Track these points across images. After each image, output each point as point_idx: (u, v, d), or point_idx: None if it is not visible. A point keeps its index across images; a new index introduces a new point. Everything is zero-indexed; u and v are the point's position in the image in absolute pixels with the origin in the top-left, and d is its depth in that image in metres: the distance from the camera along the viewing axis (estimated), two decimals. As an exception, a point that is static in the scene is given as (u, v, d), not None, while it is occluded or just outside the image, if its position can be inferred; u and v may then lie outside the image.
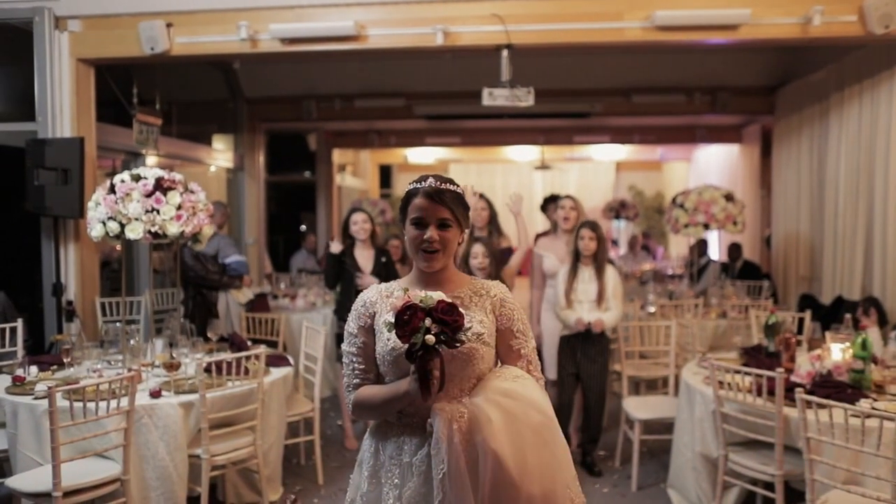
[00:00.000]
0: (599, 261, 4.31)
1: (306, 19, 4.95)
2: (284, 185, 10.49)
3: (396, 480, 1.75)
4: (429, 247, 1.79)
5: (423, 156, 12.96)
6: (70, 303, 5.17)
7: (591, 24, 4.80)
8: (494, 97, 4.94)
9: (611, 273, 4.34)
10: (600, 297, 4.28)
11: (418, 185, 1.82)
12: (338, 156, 10.74)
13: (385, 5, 4.91)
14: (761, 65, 7.46)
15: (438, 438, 1.66)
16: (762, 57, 7.36)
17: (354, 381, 1.85)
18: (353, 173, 12.16)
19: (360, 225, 4.79)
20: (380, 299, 1.84)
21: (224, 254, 5.28)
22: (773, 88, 7.59)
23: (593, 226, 4.38)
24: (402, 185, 13.97)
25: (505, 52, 4.91)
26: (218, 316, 5.05)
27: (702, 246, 7.65)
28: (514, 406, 1.70)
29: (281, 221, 10.37)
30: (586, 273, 4.32)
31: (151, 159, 6.51)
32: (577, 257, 4.35)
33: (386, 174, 13.94)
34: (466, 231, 1.88)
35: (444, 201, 1.79)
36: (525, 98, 4.93)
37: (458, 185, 1.85)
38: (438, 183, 1.81)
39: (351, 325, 1.86)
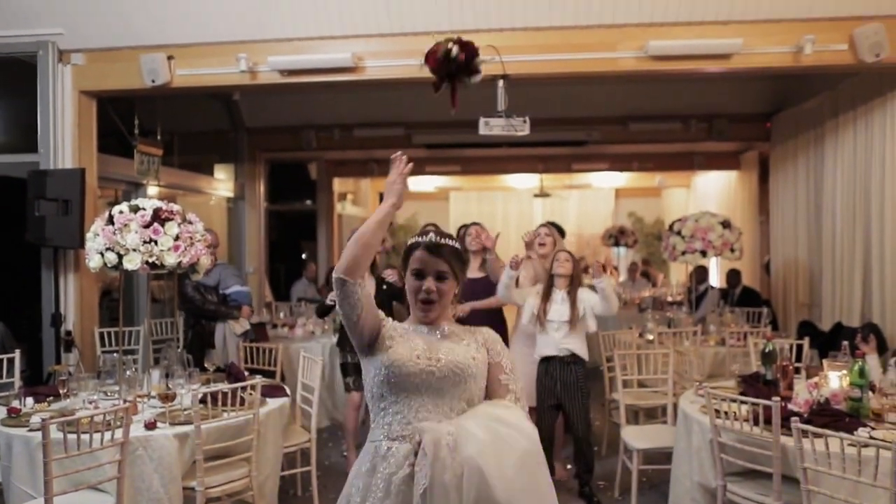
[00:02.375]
0: (574, 284, 4.33)
1: (305, 51, 5.03)
2: (285, 213, 10.53)
3: (380, 494, 1.80)
4: (426, 297, 1.94)
5: (423, 184, 13.02)
6: (69, 333, 5.18)
7: (586, 54, 4.87)
8: (491, 126, 4.99)
9: (584, 294, 4.35)
10: (572, 320, 4.29)
11: (420, 240, 1.99)
12: (338, 184, 10.81)
13: (382, 37, 4.99)
14: (757, 92, 7.53)
15: (424, 453, 1.72)
16: (757, 85, 7.44)
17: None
18: (353, 202, 12.22)
19: None
20: (392, 327, 1.95)
21: (225, 284, 5.30)
22: (769, 116, 7.65)
23: (569, 253, 4.46)
24: (403, 213, 14.01)
25: (501, 83, 4.97)
26: (214, 346, 5.04)
27: (700, 273, 7.65)
28: (503, 430, 1.77)
29: (282, 250, 10.40)
30: (559, 295, 4.34)
31: (152, 189, 6.57)
32: (551, 280, 4.37)
33: (387, 202, 13.99)
34: (461, 283, 2.02)
35: (443, 255, 1.95)
36: (521, 127, 4.98)
37: (455, 241, 2.01)
38: (438, 238, 1.97)
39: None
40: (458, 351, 1.92)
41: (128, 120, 6.14)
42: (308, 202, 10.39)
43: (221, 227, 8.42)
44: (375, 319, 1.90)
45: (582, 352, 4.37)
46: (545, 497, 1.76)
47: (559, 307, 4.32)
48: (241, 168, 8.45)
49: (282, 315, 6.78)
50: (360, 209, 12.59)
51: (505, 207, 14.00)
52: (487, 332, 2.04)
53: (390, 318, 1.97)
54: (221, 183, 8.26)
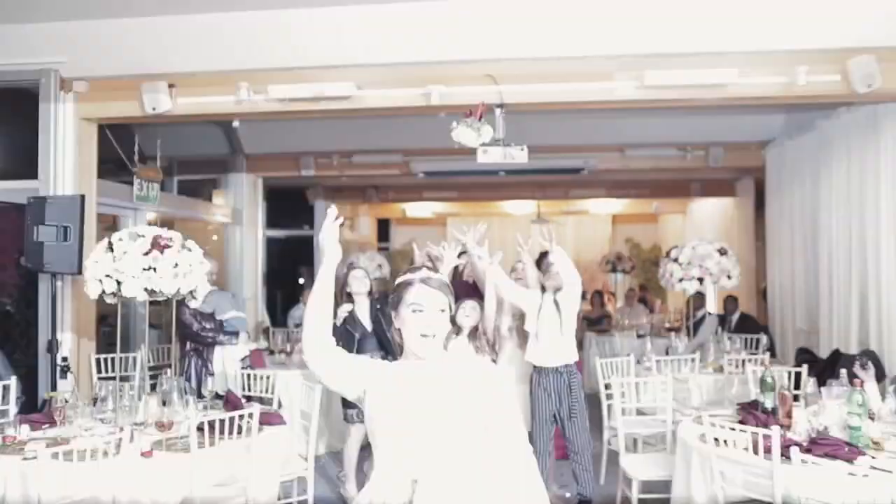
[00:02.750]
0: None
1: (304, 80, 5.08)
2: (283, 239, 10.56)
3: None
4: (429, 332, 1.89)
5: (421, 210, 13.07)
6: (65, 359, 5.16)
7: (582, 84, 4.93)
8: (489, 154, 5.04)
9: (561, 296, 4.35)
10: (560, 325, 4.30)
11: (414, 276, 1.95)
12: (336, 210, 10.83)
13: (381, 67, 5.04)
14: (752, 121, 7.59)
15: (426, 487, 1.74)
16: (753, 113, 7.51)
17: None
18: (351, 227, 12.25)
19: (360, 280, 4.90)
20: (381, 372, 1.94)
21: (221, 310, 5.29)
22: (765, 144, 7.72)
23: None
24: (400, 239, 14.04)
25: (499, 111, 5.02)
26: (213, 373, 5.02)
27: (698, 299, 7.65)
28: (497, 479, 1.80)
29: (279, 276, 10.40)
30: (549, 299, 4.34)
31: (151, 214, 6.59)
32: (542, 289, 4.39)
33: (384, 228, 14.04)
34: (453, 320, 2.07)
35: (441, 289, 1.93)
36: (519, 155, 5.03)
37: (446, 281, 2.01)
38: (432, 273, 1.98)
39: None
40: (451, 400, 1.86)
41: (128, 146, 6.18)
42: (306, 227, 10.41)
43: (219, 253, 8.43)
44: (360, 381, 1.91)
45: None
46: None
47: (550, 313, 4.31)
48: (240, 194, 8.48)
49: (279, 341, 6.77)
50: (358, 234, 12.62)
51: (502, 233, 14.03)
52: (486, 377, 1.98)
53: (379, 360, 1.99)
54: (219, 208, 8.29)
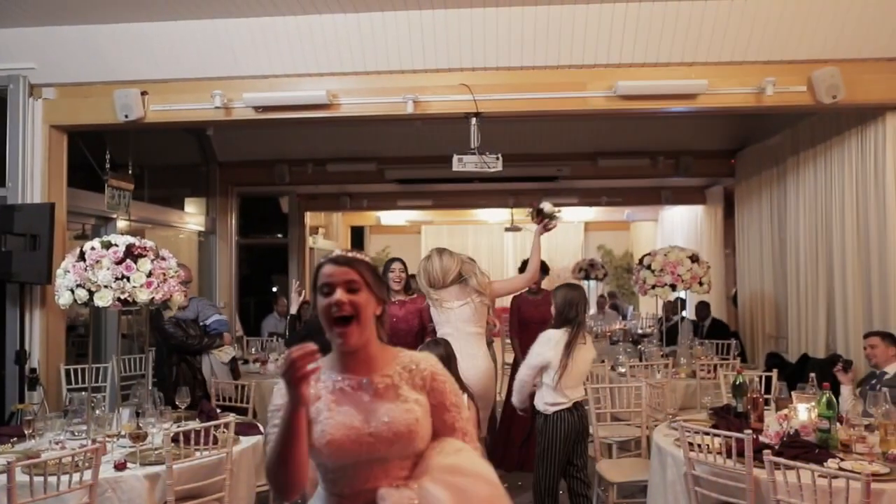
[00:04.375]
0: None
1: (279, 88, 5.07)
2: (257, 247, 10.47)
3: None
4: (338, 311, 1.67)
5: (395, 218, 13.07)
6: (34, 370, 5.06)
7: (556, 93, 5.00)
8: (464, 163, 5.07)
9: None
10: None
11: (325, 257, 1.78)
12: (310, 218, 10.79)
13: (357, 75, 5.05)
14: (721, 130, 7.76)
15: None
16: (722, 122, 7.67)
17: None
18: (325, 235, 12.21)
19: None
20: (312, 384, 1.64)
21: (204, 315, 5.26)
22: (734, 152, 7.87)
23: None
24: (375, 247, 14.04)
25: (473, 120, 5.06)
26: (204, 380, 4.97)
27: (675, 305, 7.73)
28: (463, 482, 1.66)
29: (252, 284, 10.31)
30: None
31: (122, 223, 6.50)
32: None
33: (359, 236, 14.01)
34: (383, 304, 1.80)
35: (352, 264, 1.73)
36: (494, 164, 5.06)
37: (370, 258, 1.82)
38: (346, 252, 1.78)
39: (277, 401, 1.65)
40: (399, 415, 1.68)
41: (99, 154, 6.09)
42: (279, 236, 10.34)
43: (192, 262, 8.33)
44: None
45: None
46: None
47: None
48: (213, 202, 8.40)
49: (253, 350, 6.70)
50: (332, 242, 12.57)
51: (476, 240, 14.11)
52: (426, 364, 1.79)
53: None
54: (192, 217, 8.20)
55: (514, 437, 5.46)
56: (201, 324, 5.21)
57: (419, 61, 4.96)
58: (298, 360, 1.50)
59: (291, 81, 5.09)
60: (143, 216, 7.07)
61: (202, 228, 8.26)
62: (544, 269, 6.25)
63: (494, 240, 13.82)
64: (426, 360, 1.81)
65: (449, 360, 3.26)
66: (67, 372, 5.33)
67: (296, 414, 1.55)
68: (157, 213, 7.46)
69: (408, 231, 14.16)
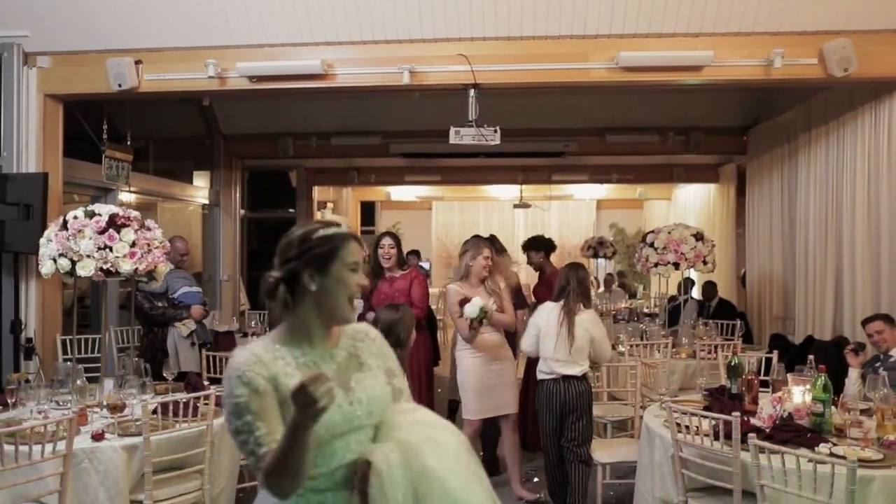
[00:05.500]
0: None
1: (274, 57, 4.97)
2: (266, 221, 10.45)
3: None
4: (360, 292, 1.75)
5: (405, 193, 12.99)
6: (29, 340, 5.07)
7: (557, 64, 4.85)
8: (461, 136, 4.96)
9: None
10: None
11: (340, 230, 1.72)
12: (319, 193, 10.74)
13: (353, 45, 4.94)
14: (733, 105, 7.55)
15: (379, 471, 1.59)
16: (734, 98, 7.46)
17: (262, 449, 1.55)
18: (334, 210, 12.16)
19: None
20: (271, 361, 1.63)
21: (173, 288, 5.20)
22: (745, 129, 7.67)
23: None
24: (386, 222, 13.98)
25: (472, 92, 4.94)
26: (167, 353, 4.95)
27: (687, 284, 7.57)
28: (432, 433, 1.72)
29: (261, 258, 10.29)
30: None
31: (127, 196, 6.49)
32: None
33: (369, 211, 13.94)
34: None
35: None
36: (492, 137, 4.94)
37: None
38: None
39: (241, 390, 1.57)
40: (369, 382, 1.72)
41: (100, 125, 6.06)
42: (291, 210, 10.30)
43: (196, 234, 8.32)
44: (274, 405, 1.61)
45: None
46: (484, 478, 1.72)
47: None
48: (217, 175, 8.36)
49: (253, 323, 6.68)
50: (342, 218, 12.52)
51: (487, 217, 13.99)
52: (374, 333, 1.84)
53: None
54: (196, 190, 8.17)
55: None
56: (170, 296, 5.18)
57: (416, 31, 4.84)
58: (314, 389, 1.41)
59: (286, 51, 4.99)
60: (145, 188, 7.05)
61: (206, 201, 8.23)
62: (551, 246, 6.21)
63: (505, 216, 13.70)
64: (370, 329, 1.86)
65: (396, 325, 3.22)
66: (63, 342, 5.33)
67: (308, 431, 1.48)
68: (160, 186, 7.43)
69: (418, 207, 14.08)
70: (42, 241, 3.65)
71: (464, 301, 4.25)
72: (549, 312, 4.19)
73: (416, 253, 10.60)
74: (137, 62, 5.04)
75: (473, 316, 4.20)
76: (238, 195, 8.60)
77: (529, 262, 6.20)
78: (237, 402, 1.56)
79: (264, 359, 1.62)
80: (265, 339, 1.71)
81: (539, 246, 6.05)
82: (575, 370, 4.10)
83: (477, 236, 4.95)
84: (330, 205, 11.92)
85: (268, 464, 1.53)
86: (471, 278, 4.42)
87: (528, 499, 4.49)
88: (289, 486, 1.55)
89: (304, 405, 1.42)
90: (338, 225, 1.74)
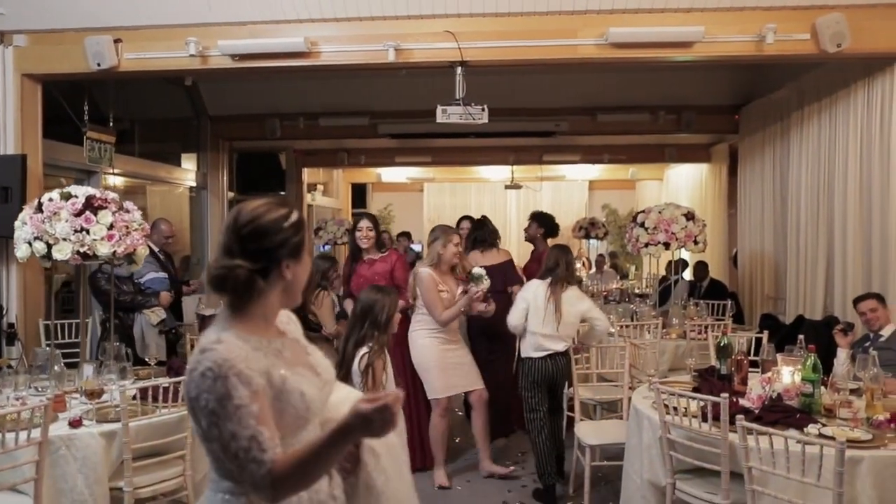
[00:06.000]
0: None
1: (257, 35, 4.86)
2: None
3: None
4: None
5: (396, 175, 12.87)
6: (11, 325, 4.99)
7: (545, 41, 4.75)
8: (448, 114, 4.86)
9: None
10: None
11: (299, 213, 1.62)
12: (309, 175, 10.62)
13: (337, 22, 4.83)
14: (725, 83, 7.46)
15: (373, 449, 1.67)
16: (726, 75, 7.37)
17: (267, 455, 1.39)
18: (324, 192, 12.05)
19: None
20: (254, 353, 1.48)
21: (139, 273, 5.08)
22: (737, 107, 7.59)
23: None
24: (377, 204, 13.87)
25: (459, 69, 4.84)
26: (134, 340, 4.88)
27: (679, 265, 7.53)
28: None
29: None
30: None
31: (114, 179, 6.38)
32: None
33: (360, 193, 13.82)
34: None
35: None
36: (479, 115, 4.85)
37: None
38: None
39: (241, 391, 1.40)
40: (322, 360, 1.68)
41: (79, 106, 5.93)
42: (282, 193, 10.19)
43: (183, 217, 8.22)
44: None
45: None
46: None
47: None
48: (204, 157, 8.24)
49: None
50: (332, 200, 12.41)
51: (479, 199, 13.89)
52: (293, 315, 1.73)
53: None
54: (183, 172, 8.06)
55: None
56: (136, 280, 5.09)
57: (402, 7, 4.73)
58: (397, 410, 1.36)
59: (269, 28, 4.87)
60: (130, 170, 6.94)
61: (193, 184, 8.12)
62: (553, 230, 6.22)
63: (497, 198, 13.60)
64: (287, 311, 1.72)
65: (374, 305, 3.29)
66: (46, 327, 5.25)
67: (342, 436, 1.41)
68: (146, 168, 7.32)
69: (410, 189, 13.96)
70: (17, 223, 3.56)
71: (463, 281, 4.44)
72: (535, 289, 4.38)
73: (407, 235, 10.53)
74: (117, 41, 4.91)
75: (488, 284, 4.37)
76: (225, 177, 8.48)
77: (526, 230, 6.28)
78: (237, 405, 1.38)
79: (250, 352, 1.47)
80: (228, 331, 1.49)
81: (544, 223, 6.14)
82: (560, 346, 4.33)
83: (443, 225, 4.86)
84: (320, 187, 11.80)
85: (286, 470, 1.38)
86: (441, 265, 4.48)
87: (501, 473, 4.51)
88: (299, 491, 1.49)
89: (383, 426, 1.35)
90: (287, 205, 1.61)
